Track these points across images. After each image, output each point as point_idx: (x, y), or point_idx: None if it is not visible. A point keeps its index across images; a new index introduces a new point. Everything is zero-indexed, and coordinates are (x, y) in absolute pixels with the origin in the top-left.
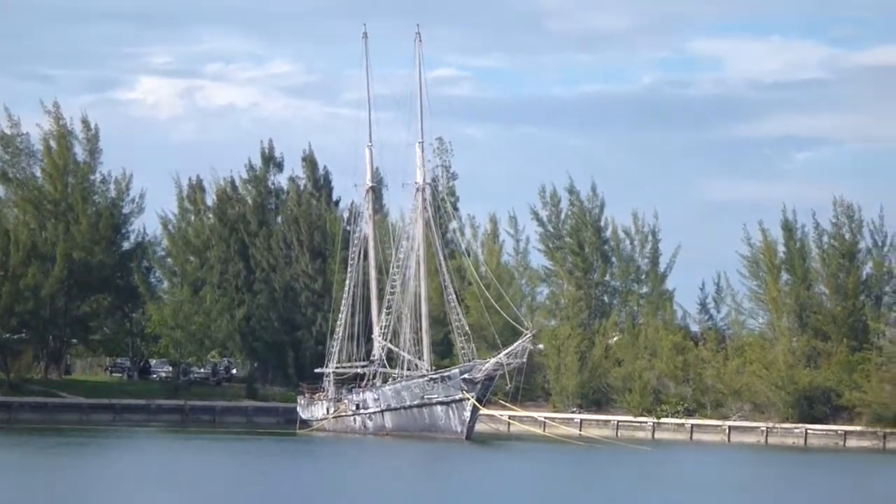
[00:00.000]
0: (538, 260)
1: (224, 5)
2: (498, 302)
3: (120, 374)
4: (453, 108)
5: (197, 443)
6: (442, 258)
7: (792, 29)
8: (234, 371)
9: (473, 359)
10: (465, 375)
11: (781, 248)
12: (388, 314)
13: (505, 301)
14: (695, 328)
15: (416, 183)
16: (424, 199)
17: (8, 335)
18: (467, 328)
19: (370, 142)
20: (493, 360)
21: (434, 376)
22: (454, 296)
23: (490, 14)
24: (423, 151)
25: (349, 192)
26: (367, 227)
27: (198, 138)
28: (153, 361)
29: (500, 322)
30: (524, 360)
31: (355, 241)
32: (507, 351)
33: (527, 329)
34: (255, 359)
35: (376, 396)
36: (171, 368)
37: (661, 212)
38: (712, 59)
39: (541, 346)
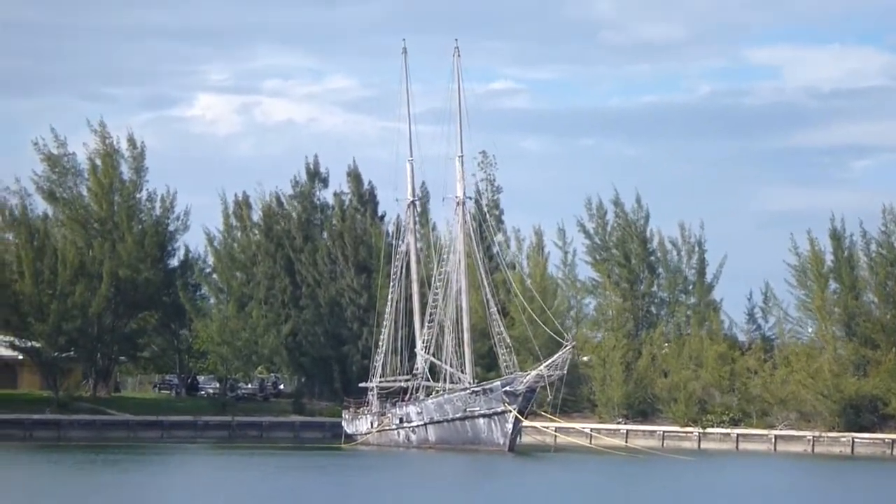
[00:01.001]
0: (586, 272)
1: (281, 22)
2: (542, 314)
3: (168, 391)
4: (509, 121)
5: (240, 458)
6: (483, 271)
7: (851, 36)
8: (281, 386)
9: (515, 371)
10: (507, 388)
11: (830, 257)
12: (430, 328)
13: (551, 312)
14: (743, 338)
15: (456, 197)
16: (465, 213)
17: (57, 354)
18: (509, 341)
19: (411, 156)
20: (533, 373)
21: (476, 389)
22: (495, 308)
23: (545, 26)
24: (462, 165)
25: (395, 206)
26: (409, 242)
27: (256, 154)
28: (201, 378)
29: (544, 334)
30: (564, 371)
31: (398, 256)
32: (547, 363)
33: (567, 341)
34: (302, 374)
35: (419, 410)
36: (218, 385)
37: (719, 222)
38: (770, 67)
39: (586, 357)
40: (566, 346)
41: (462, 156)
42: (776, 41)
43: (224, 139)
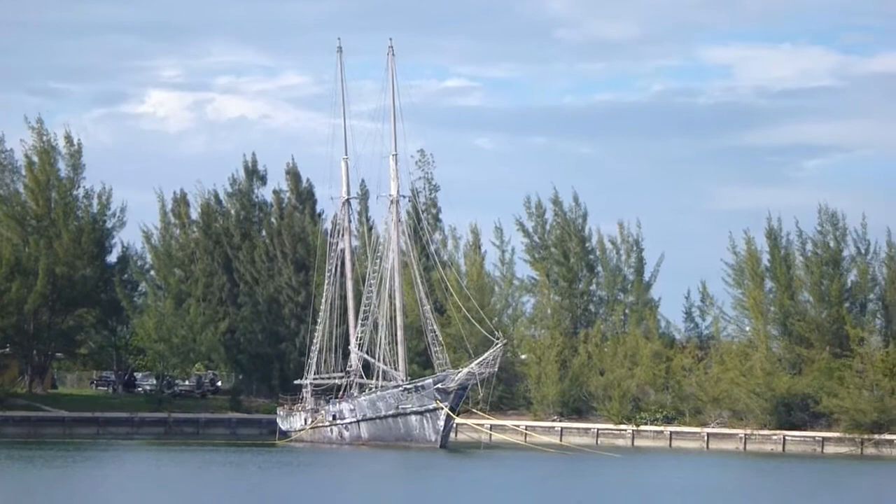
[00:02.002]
0: (525, 270)
1: (234, 17)
2: (477, 313)
3: (105, 388)
4: (462, 119)
5: (172, 454)
6: (416, 269)
7: (802, 36)
8: (219, 384)
9: (448, 369)
10: (439, 385)
11: (766, 257)
12: (363, 325)
13: (486, 310)
14: (679, 337)
15: (389, 195)
16: (398, 211)
17: None
18: (441, 338)
19: (346, 154)
20: (464, 370)
21: (408, 386)
22: (428, 306)
23: (498, 23)
24: (396, 163)
25: (333, 204)
26: (344, 240)
27: (207, 150)
28: (138, 375)
29: (480, 333)
30: (495, 369)
31: (332, 254)
32: (478, 360)
33: (497, 339)
34: (240, 371)
35: (352, 407)
36: (155, 382)
37: (674, 220)
38: (722, 67)
39: (524, 356)
40: (497, 343)
41: (396, 154)
42: (729, 41)
43: (175, 136)
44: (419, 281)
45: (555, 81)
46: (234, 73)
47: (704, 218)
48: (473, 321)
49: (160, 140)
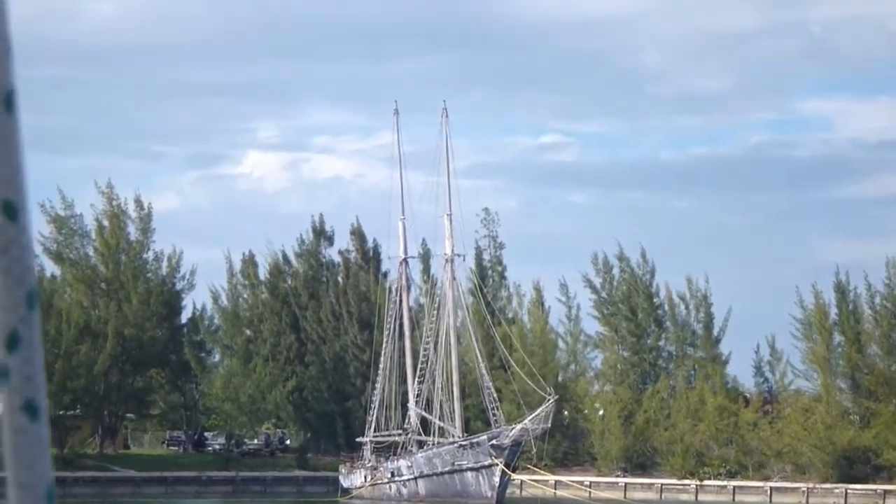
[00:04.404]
0: (594, 326)
1: (330, 78)
2: (542, 368)
3: (177, 447)
4: (557, 174)
5: None
6: (471, 328)
7: None
8: (288, 442)
9: (503, 425)
10: (493, 441)
11: (835, 310)
12: (421, 382)
13: (550, 366)
14: (751, 391)
15: (444, 254)
16: (452, 269)
17: (61, 412)
18: (495, 395)
19: (402, 215)
20: (518, 426)
21: (463, 443)
22: (483, 364)
23: (590, 79)
24: (451, 223)
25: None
26: (402, 298)
27: (304, 210)
28: (209, 434)
29: (544, 389)
30: (548, 425)
31: (390, 312)
32: (530, 416)
33: (549, 395)
34: (308, 429)
35: (409, 464)
36: (224, 441)
37: (773, 272)
38: (820, 119)
39: (601, 411)
40: (548, 400)
41: (451, 214)
42: (825, 92)
43: (272, 196)
44: (474, 339)
45: (649, 136)
46: (330, 132)
47: (804, 270)
48: (525, 378)
49: (257, 200)
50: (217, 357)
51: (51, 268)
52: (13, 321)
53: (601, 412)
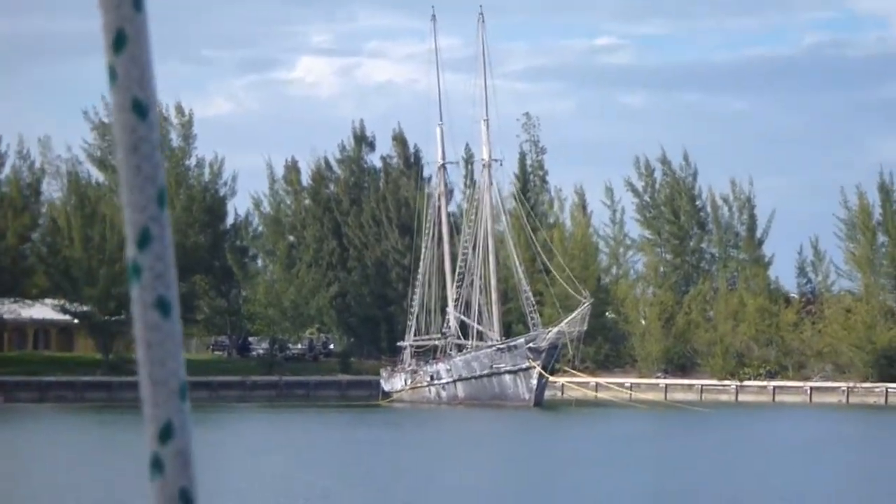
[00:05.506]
0: (637, 230)
1: None
2: (583, 272)
3: (221, 353)
4: (612, 76)
5: (278, 416)
6: (509, 233)
7: None
8: (331, 346)
9: (540, 329)
10: (531, 344)
11: (879, 210)
12: (458, 287)
13: (591, 270)
14: (794, 292)
15: (482, 160)
16: (490, 175)
17: (107, 317)
18: (533, 299)
19: (441, 120)
20: (554, 329)
21: (501, 346)
22: (521, 268)
23: None
24: (488, 128)
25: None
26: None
27: (356, 115)
28: (252, 339)
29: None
30: (584, 328)
31: (428, 218)
32: (566, 320)
33: (584, 298)
34: (351, 334)
35: (448, 367)
36: (268, 346)
37: (823, 174)
38: (875, 17)
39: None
40: (584, 303)
41: (487, 119)
42: None
43: (325, 101)
44: (511, 244)
45: (704, 37)
46: (383, 37)
47: (863, 171)
48: (563, 282)
49: (309, 105)
50: (260, 263)
51: (95, 174)
52: (144, 219)
53: (643, 320)
